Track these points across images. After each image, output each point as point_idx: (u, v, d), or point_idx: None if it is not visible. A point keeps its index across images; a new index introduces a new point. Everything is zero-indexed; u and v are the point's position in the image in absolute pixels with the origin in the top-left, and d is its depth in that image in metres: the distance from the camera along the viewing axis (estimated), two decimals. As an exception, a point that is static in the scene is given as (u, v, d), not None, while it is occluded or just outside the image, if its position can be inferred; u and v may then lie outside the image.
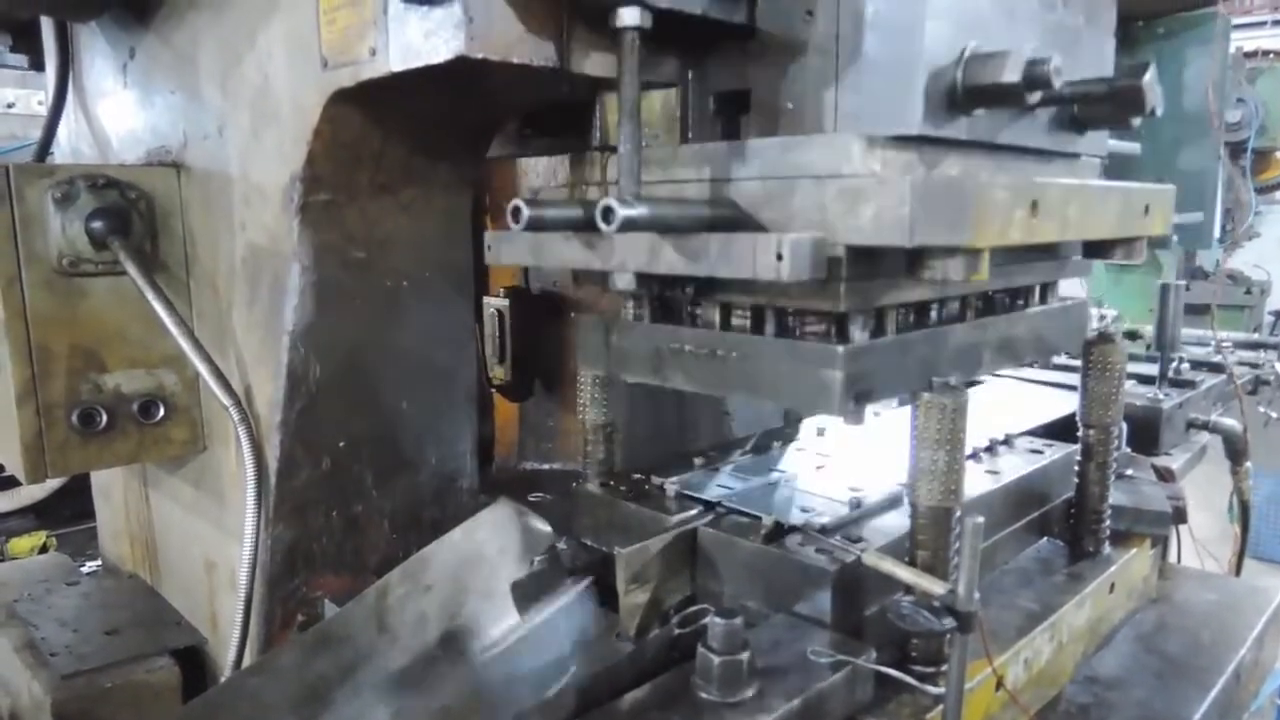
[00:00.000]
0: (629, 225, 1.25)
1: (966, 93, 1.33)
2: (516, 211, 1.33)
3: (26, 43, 4.38)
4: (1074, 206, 1.40)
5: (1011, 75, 1.29)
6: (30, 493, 5.31)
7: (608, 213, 1.24)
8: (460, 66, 1.34)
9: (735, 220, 1.40)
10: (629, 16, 1.30)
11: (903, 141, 1.33)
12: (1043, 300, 1.83)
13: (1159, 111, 1.50)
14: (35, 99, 5.36)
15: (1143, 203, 1.59)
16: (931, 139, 1.35)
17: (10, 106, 5.47)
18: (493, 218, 2.98)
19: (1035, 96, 1.32)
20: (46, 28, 2.47)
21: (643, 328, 1.61)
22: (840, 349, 1.36)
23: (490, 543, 1.58)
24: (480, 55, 1.32)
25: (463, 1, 1.29)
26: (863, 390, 1.40)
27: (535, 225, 1.35)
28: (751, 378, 1.48)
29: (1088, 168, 1.75)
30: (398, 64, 1.42)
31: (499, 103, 1.84)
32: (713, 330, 1.54)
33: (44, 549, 5.49)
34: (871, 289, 1.40)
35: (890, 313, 1.47)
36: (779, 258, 1.23)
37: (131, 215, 1.97)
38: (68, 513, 5.48)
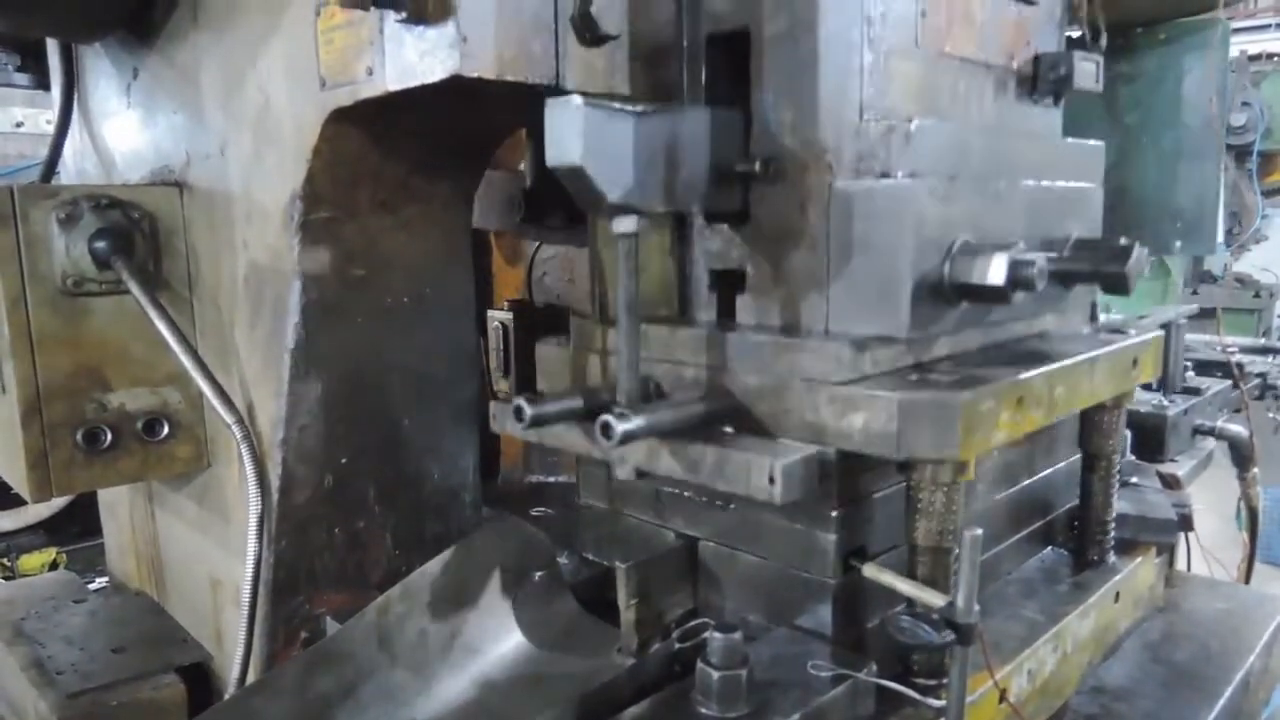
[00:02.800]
0: (628, 439, 1.30)
1: (953, 289, 1.42)
2: (519, 411, 1.39)
3: (34, 62, 4.41)
4: (1060, 388, 1.50)
5: (996, 278, 1.37)
6: (39, 510, 5.34)
7: (606, 429, 1.29)
8: (456, 85, 1.35)
9: (732, 413, 1.45)
10: (625, 225, 1.33)
11: (892, 341, 1.41)
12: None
13: (1146, 273, 1.58)
14: (43, 118, 5.40)
15: (1130, 358, 1.67)
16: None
17: (19, 125, 5.52)
18: (497, 238, 2.99)
19: (1019, 296, 1.40)
20: (52, 48, 2.49)
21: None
22: (834, 514, 1.43)
23: (491, 558, 1.58)
24: (475, 74, 1.33)
25: (457, 22, 1.30)
26: (855, 549, 1.47)
27: (538, 423, 1.42)
28: (750, 532, 1.55)
29: (1075, 305, 1.84)
30: (394, 83, 1.43)
31: (497, 120, 1.85)
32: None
33: (54, 565, 5.53)
34: (865, 479, 1.47)
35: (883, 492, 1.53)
36: (771, 480, 1.28)
37: (134, 235, 1.98)
38: (77, 529, 5.52)
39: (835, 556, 1.44)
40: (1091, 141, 1.87)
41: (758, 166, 1.46)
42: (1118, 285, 1.53)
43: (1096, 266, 1.57)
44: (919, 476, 1.35)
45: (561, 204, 2.01)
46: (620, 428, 1.29)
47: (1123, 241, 1.56)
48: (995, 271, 1.37)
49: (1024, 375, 1.43)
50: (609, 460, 1.52)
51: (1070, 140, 1.87)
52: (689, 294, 1.65)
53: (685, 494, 1.63)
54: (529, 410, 1.40)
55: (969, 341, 1.59)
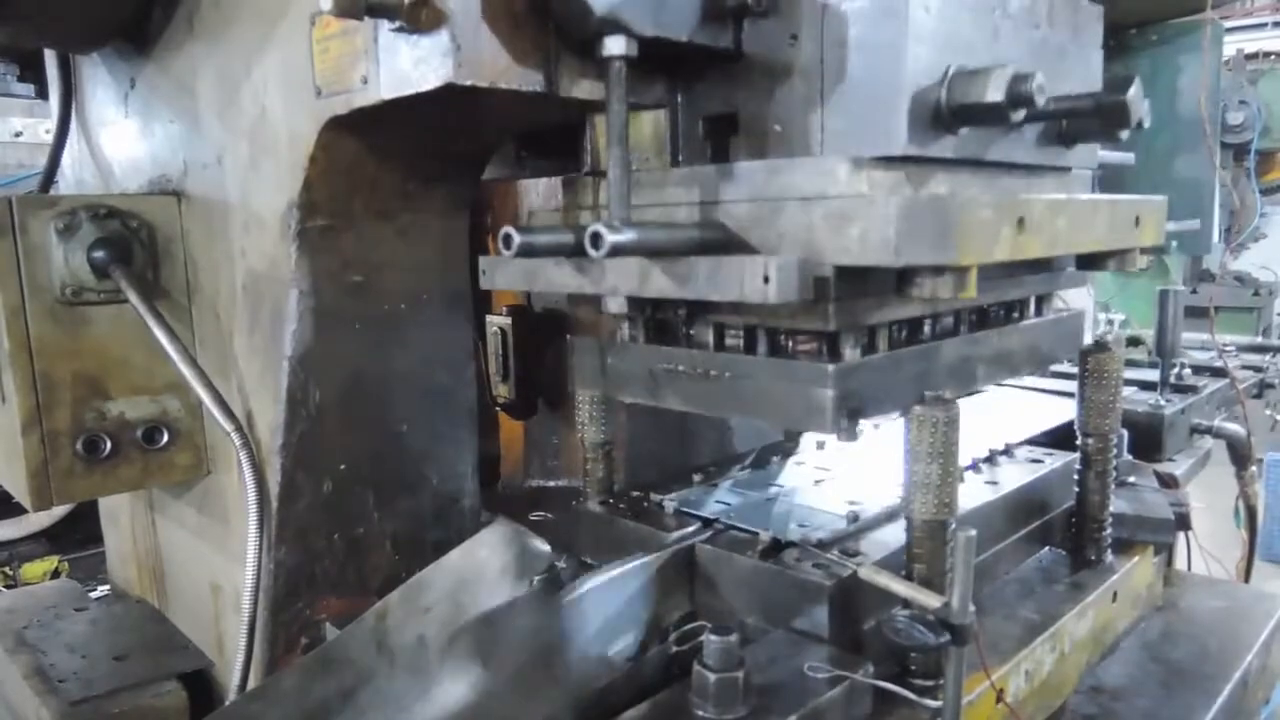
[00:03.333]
0: (617, 250, 1.27)
1: (951, 112, 1.35)
2: (508, 238, 1.36)
3: (34, 72, 4.43)
4: (1061, 221, 1.41)
5: (995, 94, 1.30)
6: (40, 518, 5.34)
7: (596, 238, 1.26)
8: (450, 93, 1.36)
9: (724, 242, 1.42)
10: (614, 46, 1.32)
11: (889, 161, 1.34)
12: (1038, 312, 1.84)
13: (1146, 123, 1.51)
14: (43, 128, 5.42)
15: (1133, 214, 1.60)
16: (918, 158, 1.36)
17: (18, 135, 5.53)
18: (494, 239, 3.00)
19: (1019, 114, 1.33)
20: (50, 59, 2.50)
21: (637, 349, 1.62)
22: (831, 367, 1.38)
23: (489, 563, 1.59)
24: (468, 82, 1.33)
25: (450, 30, 1.31)
26: (855, 407, 1.41)
27: (526, 252, 1.38)
28: (745, 398, 1.50)
29: (1078, 181, 1.75)
30: (389, 91, 1.44)
31: (492, 127, 1.86)
32: (706, 351, 1.55)
33: (56, 574, 5.53)
34: (861, 307, 1.42)
35: (882, 330, 1.49)
36: (766, 280, 1.25)
37: (133, 244, 1.99)
38: (80, 537, 5.52)
39: (834, 412, 1.39)
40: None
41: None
42: (1118, 117, 1.46)
43: (1097, 99, 1.48)
44: (919, 290, 1.30)
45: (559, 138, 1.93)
46: (611, 237, 1.26)
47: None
48: (995, 86, 1.31)
49: (1026, 196, 1.40)
50: (599, 293, 1.47)
51: None
52: (681, 144, 1.62)
53: (679, 368, 1.58)
54: (518, 237, 1.36)
55: (968, 188, 1.51)
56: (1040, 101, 1.32)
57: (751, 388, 1.49)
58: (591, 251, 1.27)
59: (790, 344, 1.47)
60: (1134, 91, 1.43)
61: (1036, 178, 1.64)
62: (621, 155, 1.36)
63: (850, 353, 1.42)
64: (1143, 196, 1.66)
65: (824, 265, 1.33)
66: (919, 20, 1.32)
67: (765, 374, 1.46)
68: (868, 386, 1.44)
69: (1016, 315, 1.79)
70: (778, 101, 1.46)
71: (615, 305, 1.45)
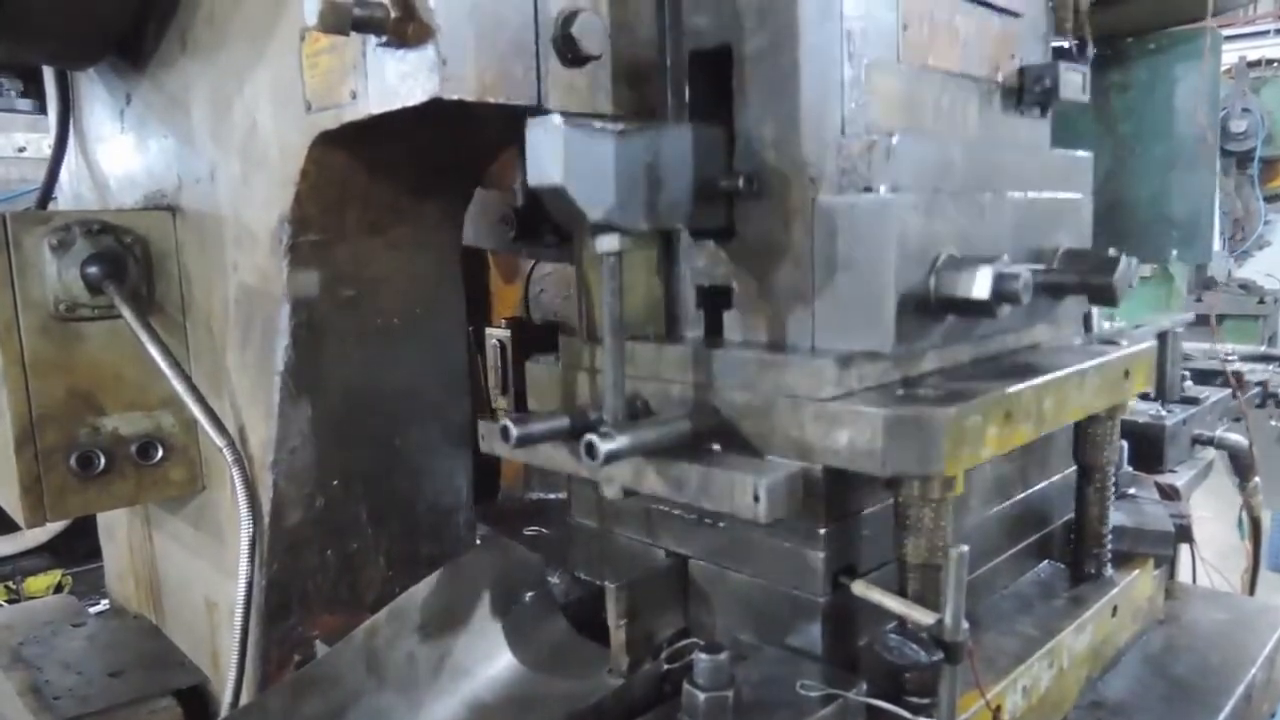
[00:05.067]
0: (612, 459, 1.30)
1: (939, 303, 1.41)
2: (505, 431, 1.41)
3: (37, 88, 4.45)
4: (1049, 400, 1.48)
5: (980, 292, 1.36)
6: (37, 534, 5.35)
7: (591, 449, 1.29)
8: (439, 107, 1.36)
9: (718, 431, 1.45)
10: (607, 244, 1.33)
11: (878, 355, 1.40)
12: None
13: (1133, 287, 1.57)
14: (45, 143, 5.42)
15: (1122, 369, 1.67)
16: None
17: (21, 151, 5.57)
18: (494, 256, 3.00)
19: (1005, 310, 1.39)
20: (48, 75, 2.51)
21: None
22: (822, 530, 1.41)
23: (481, 579, 1.58)
24: (455, 97, 1.33)
25: (436, 45, 1.31)
26: (847, 566, 1.45)
27: (524, 443, 1.43)
28: (738, 550, 1.54)
29: (1067, 317, 1.83)
30: (377, 106, 1.44)
31: (483, 141, 1.85)
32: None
33: (59, 588, 5.53)
34: (854, 497, 1.46)
35: (873, 508, 1.51)
36: (755, 499, 1.28)
37: (127, 260, 1.99)
38: (82, 551, 5.52)
39: (825, 574, 1.43)
40: (1079, 152, 1.87)
41: (741, 183, 1.46)
42: (1105, 297, 1.53)
43: (1083, 278, 1.56)
44: (906, 493, 1.35)
45: (554, 221, 2.01)
46: (604, 448, 1.29)
47: (1110, 252, 1.56)
48: (980, 285, 1.36)
49: (1011, 389, 1.42)
50: (596, 479, 1.51)
51: (1058, 151, 1.87)
52: (676, 311, 1.65)
53: (675, 511, 1.62)
54: (515, 431, 1.41)
55: (958, 355, 1.58)
56: (1025, 299, 1.38)
57: (745, 542, 1.52)
58: (587, 461, 1.30)
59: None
60: (1121, 271, 1.49)
61: (1026, 330, 1.73)
62: (616, 349, 1.38)
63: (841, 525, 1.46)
64: (1130, 348, 1.74)
65: (814, 467, 1.36)
66: (906, 222, 1.37)
67: (759, 529, 1.47)
68: (862, 540, 1.48)
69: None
70: (770, 282, 1.50)
71: (611, 492, 1.47)
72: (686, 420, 1.45)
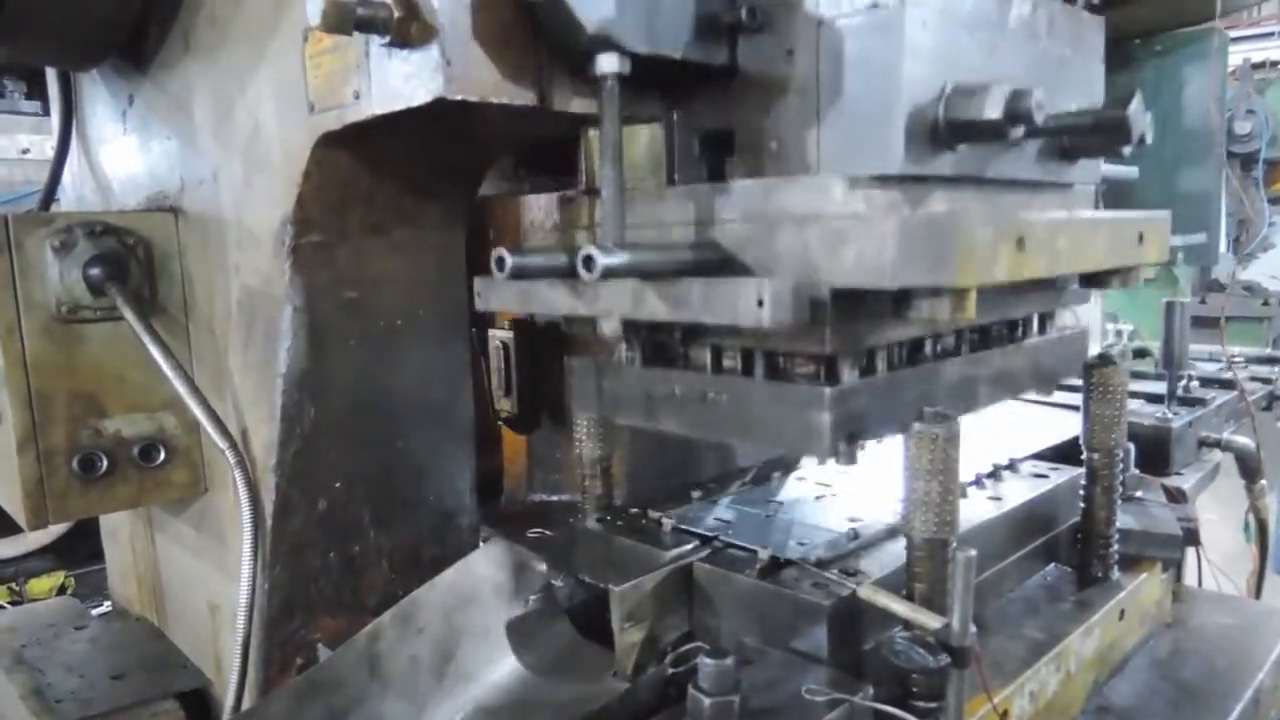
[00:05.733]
0: (610, 273, 1.26)
1: (949, 129, 1.33)
2: (500, 261, 1.34)
3: (41, 89, 4.46)
4: (1063, 240, 1.38)
5: (993, 111, 1.28)
6: (39, 536, 5.35)
7: (588, 261, 1.25)
8: (442, 108, 1.35)
9: (719, 262, 1.40)
10: (607, 64, 1.30)
11: (886, 180, 1.32)
12: (1041, 330, 1.81)
13: (1149, 139, 1.48)
14: (49, 144, 5.44)
15: (1135, 231, 1.57)
16: (915, 177, 1.34)
17: (25, 152, 5.57)
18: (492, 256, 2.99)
19: (1018, 132, 1.31)
20: (50, 76, 2.51)
21: (634, 371, 1.61)
22: (827, 391, 1.36)
23: (484, 582, 1.57)
24: (459, 97, 1.32)
25: (440, 45, 1.30)
26: (853, 431, 1.39)
27: (519, 274, 1.36)
28: (742, 421, 1.48)
29: (1081, 197, 1.73)
30: (380, 107, 1.43)
31: (487, 141, 1.85)
32: (703, 373, 1.53)
33: (63, 589, 5.53)
34: (859, 329, 1.39)
35: (881, 351, 1.47)
36: (759, 304, 1.23)
37: (129, 261, 1.98)
38: (85, 552, 5.52)
39: (831, 436, 1.37)
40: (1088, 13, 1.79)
41: (744, 14, 1.41)
42: (1119, 133, 1.44)
43: (1096, 116, 1.47)
44: (916, 312, 1.28)
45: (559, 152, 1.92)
46: (603, 260, 1.24)
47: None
48: (993, 103, 1.28)
49: (1025, 215, 1.37)
50: (594, 315, 1.45)
51: (1069, 7, 1.79)
52: (677, 162, 1.59)
53: (675, 390, 1.56)
54: (510, 260, 1.34)
55: (966, 208, 1.47)
56: (1039, 119, 1.30)
57: (748, 411, 1.47)
58: (584, 274, 1.25)
59: (788, 366, 1.45)
60: (1135, 106, 1.41)
61: (1038, 194, 1.61)
62: (615, 175, 1.34)
63: (848, 375, 1.40)
64: (1146, 213, 1.63)
65: (820, 287, 1.31)
66: (915, 37, 1.29)
67: (762, 397, 1.44)
68: (866, 409, 1.42)
69: (1019, 334, 1.77)
70: (774, 119, 1.44)
71: (609, 328, 1.43)
72: (687, 249, 1.40)
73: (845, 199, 1.31)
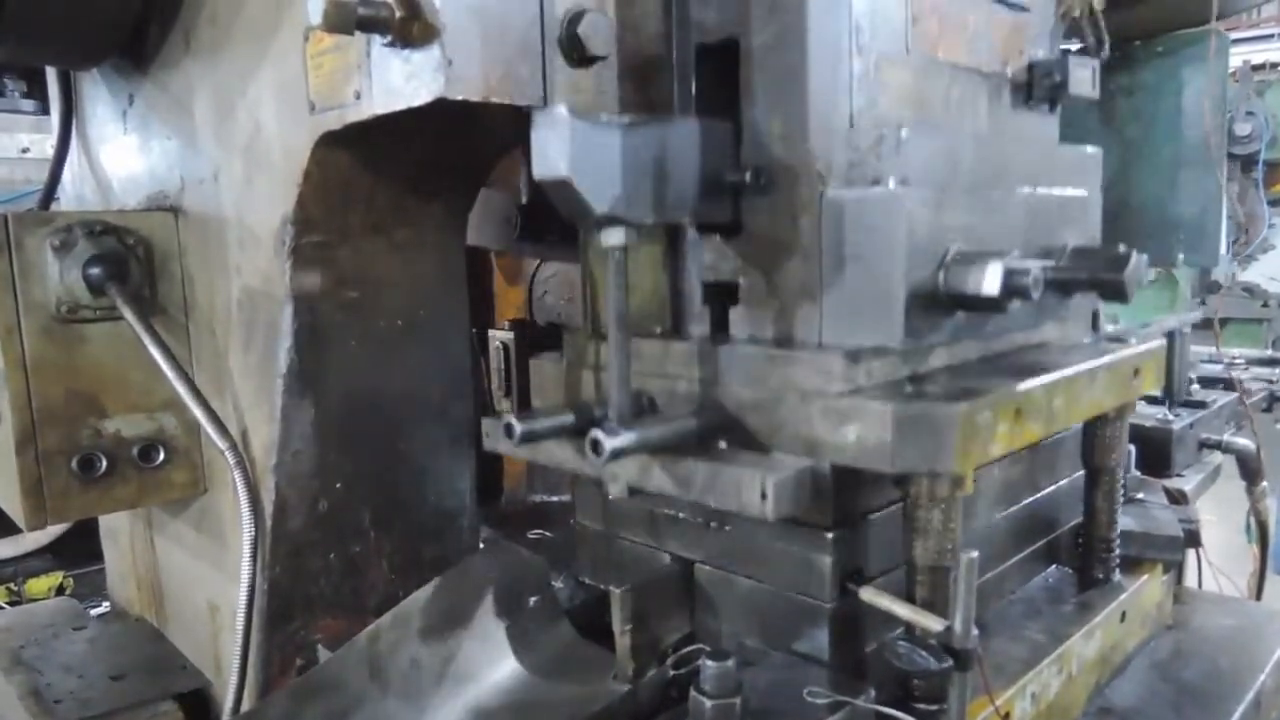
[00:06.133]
0: (617, 455, 1.28)
1: (948, 298, 1.38)
2: (509, 429, 1.38)
3: (41, 88, 4.46)
4: (1059, 399, 1.44)
5: (990, 288, 1.33)
6: (38, 535, 5.34)
7: (596, 445, 1.27)
8: (444, 108, 1.34)
9: (724, 427, 1.43)
10: (614, 237, 1.31)
11: (887, 350, 1.37)
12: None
13: (1145, 283, 1.54)
14: (49, 143, 5.43)
15: (1131, 368, 1.63)
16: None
17: (25, 151, 5.57)
18: (498, 257, 2.99)
19: (1015, 304, 1.36)
20: (50, 76, 2.51)
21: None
22: (830, 535, 1.39)
23: (485, 584, 1.56)
24: (460, 97, 1.32)
25: (442, 45, 1.30)
26: (854, 570, 1.43)
27: (528, 440, 1.40)
28: (745, 554, 1.51)
29: (1076, 315, 1.80)
30: (381, 106, 1.43)
31: (488, 141, 1.84)
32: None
33: (61, 589, 5.52)
34: (862, 495, 1.43)
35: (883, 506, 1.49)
36: (763, 497, 1.25)
37: (129, 261, 1.98)
38: (84, 552, 5.51)
39: (832, 578, 1.40)
40: (1088, 148, 1.85)
41: (748, 177, 1.43)
42: (1116, 293, 1.49)
43: (1094, 274, 1.52)
44: (916, 491, 1.32)
45: (558, 220, 2.00)
46: (609, 444, 1.26)
47: (1120, 249, 1.53)
48: (990, 281, 1.33)
49: (1022, 386, 1.40)
50: (601, 478, 1.49)
51: (1066, 147, 1.84)
52: (682, 308, 1.62)
53: (680, 515, 1.60)
54: (519, 427, 1.38)
55: (967, 352, 1.55)
56: (1035, 295, 1.35)
57: (751, 545, 1.50)
58: (592, 458, 1.28)
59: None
60: (1131, 269, 1.45)
61: (1037, 329, 1.70)
62: (622, 341, 1.35)
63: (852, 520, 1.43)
64: (1141, 346, 1.71)
65: (822, 464, 1.34)
66: (917, 216, 1.34)
67: (765, 532, 1.46)
68: (870, 544, 1.46)
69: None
70: (777, 277, 1.47)
71: (617, 490, 1.45)
72: (692, 417, 1.42)
73: (846, 374, 1.34)
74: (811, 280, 1.43)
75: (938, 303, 1.39)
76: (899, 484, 1.35)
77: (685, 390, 1.51)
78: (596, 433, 1.28)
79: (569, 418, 1.44)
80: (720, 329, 1.58)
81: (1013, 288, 1.33)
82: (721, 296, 1.58)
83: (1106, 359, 1.62)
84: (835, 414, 1.32)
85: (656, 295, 1.64)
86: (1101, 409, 1.62)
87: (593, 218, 1.27)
